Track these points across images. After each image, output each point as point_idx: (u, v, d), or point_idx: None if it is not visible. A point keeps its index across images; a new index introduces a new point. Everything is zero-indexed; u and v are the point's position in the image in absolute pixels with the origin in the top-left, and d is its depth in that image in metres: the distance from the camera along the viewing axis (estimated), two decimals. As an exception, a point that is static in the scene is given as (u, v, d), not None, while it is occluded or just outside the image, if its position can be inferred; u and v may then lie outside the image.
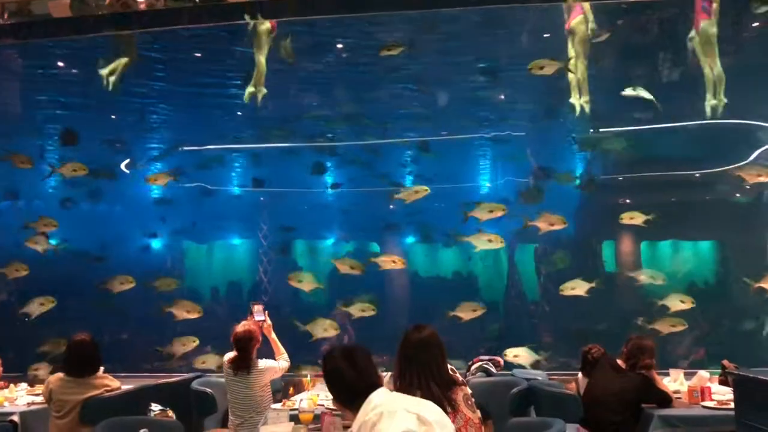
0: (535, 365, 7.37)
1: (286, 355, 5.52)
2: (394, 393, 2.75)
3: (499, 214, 7.99)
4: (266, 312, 5.60)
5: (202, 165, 10.19)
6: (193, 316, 8.06)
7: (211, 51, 8.60)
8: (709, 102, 7.02)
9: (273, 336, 5.57)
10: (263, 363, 5.28)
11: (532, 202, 8.81)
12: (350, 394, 2.70)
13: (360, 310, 8.20)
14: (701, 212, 9.59)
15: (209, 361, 8.12)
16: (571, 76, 7.19)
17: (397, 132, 9.98)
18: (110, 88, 7.65)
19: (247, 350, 5.21)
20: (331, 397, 5.23)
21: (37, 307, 8.22)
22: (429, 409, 2.62)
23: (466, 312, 7.82)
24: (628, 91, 7.64)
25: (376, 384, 2.70)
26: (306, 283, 8.60)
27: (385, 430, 2.47)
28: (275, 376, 5.38)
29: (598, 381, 5.18)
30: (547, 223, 7.93)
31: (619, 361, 5.25)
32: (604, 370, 5.19)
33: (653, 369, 5.17)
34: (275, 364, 5.36)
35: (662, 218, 9.53)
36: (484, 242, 8.02)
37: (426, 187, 8.31)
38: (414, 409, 2.54)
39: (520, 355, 7.38)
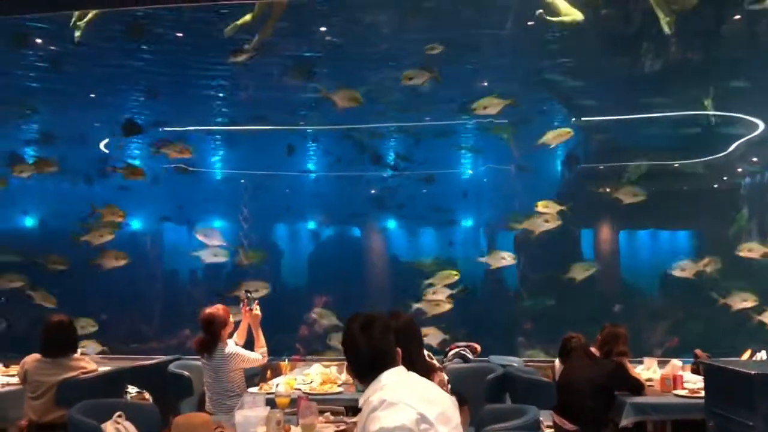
0: (443, 344, 7.49)
1: (264, 349, 5.42)
2: (406, 376, 2.63)
3: (641, 198, 8.40)
4: (256, 302, 5.51)
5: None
6: (262, 293, 7.88)
7: (194, 31, 8.49)
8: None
9: (258, 328, 5.47)
10: (231, 348, 5.19)
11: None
12: (361, 366, 2.63)
13: (445, 278, 8.19)
14: (679, 202, 9.71)
15: (89, 346, 8.05)
16: None
17: (380, 117, 9.95)
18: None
19: (210, 332, 5.13)
20: (307, 382, 5.33)
21: (111, 260, 8.17)
22: (434, 402, 2.52)
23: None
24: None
25: (390, 362, 2.61)
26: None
27: (382, 419, 2.40)
28: (246, 366, 5.26)
29: (572, 367, 5.25)
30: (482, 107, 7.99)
31: (593, 349, 5.33)
32: (579, 357, 5.26)
33: (628, 356, 5.25)
34: (245, 353, 5.25)
35: (641, 208, 9.65)
36: (540, 224, 8.06)
37: (569, 129, 8.17)
38: (417, 404, 2.44)
39: (429, 333, 7.55)
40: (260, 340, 5.47)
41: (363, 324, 2.66)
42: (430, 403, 2.50)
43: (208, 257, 8.39)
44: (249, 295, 5.52)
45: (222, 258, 8.41)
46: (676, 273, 8.29)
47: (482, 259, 8.55)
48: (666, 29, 6.69)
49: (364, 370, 2.63)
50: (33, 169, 8.63)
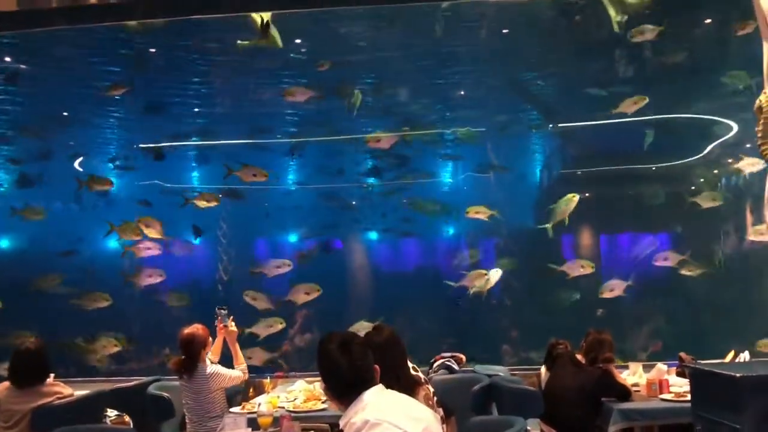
0: (270, 361, 7.62)
1: (244, 366, 5.34)
2: (387, 394, 2.59)
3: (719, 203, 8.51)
4: (231, 318, 5.43)
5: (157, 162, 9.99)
6: (313, 296, 7.96)
7: (168, 46, 8.41)
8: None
9: (235, 344, 5.40)
10: (211, 369, 5.09)
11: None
12: (340, 387, 2.58)
13: (475, 277, 8.37)
14: (657, 206, 9.76)
15: None
16: None
17: (357, 128, 9.91)
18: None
19: (189, 353, 5.04)
20: (290, 400, 5.24)
21: (146, 278, 8.37)
22: (418, 419, 2.48)
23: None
24: None
25: (370, 380, 2.57)
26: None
27: None
28: (227, 384, 5.17)
29: (558, 375, 5.23)
30: None
31: (578, 356, 5.31)
32: (565, 364, 5.24)
33: (613, 363, 5.24)
34: (227, 372, 5.16)
35: (620, 212, 9.71)
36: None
37: (644, 97, 8.06)
38: (402, 422, 2.41)
39: (253, 356, 7.65)
40: (239, 356, 5.38)
41: (341, 343, 2.60)
42: (414, 421, 2.47)
43: (271, 271, 8.31)
44: (223, 311, 5.43)
45: (286, 268, 8.37)
46: (606, 294, 8.24)
47: (560, 268, 8.28)
48: (616, 28, 6.79)
49: (345, 391, 2.57)
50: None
